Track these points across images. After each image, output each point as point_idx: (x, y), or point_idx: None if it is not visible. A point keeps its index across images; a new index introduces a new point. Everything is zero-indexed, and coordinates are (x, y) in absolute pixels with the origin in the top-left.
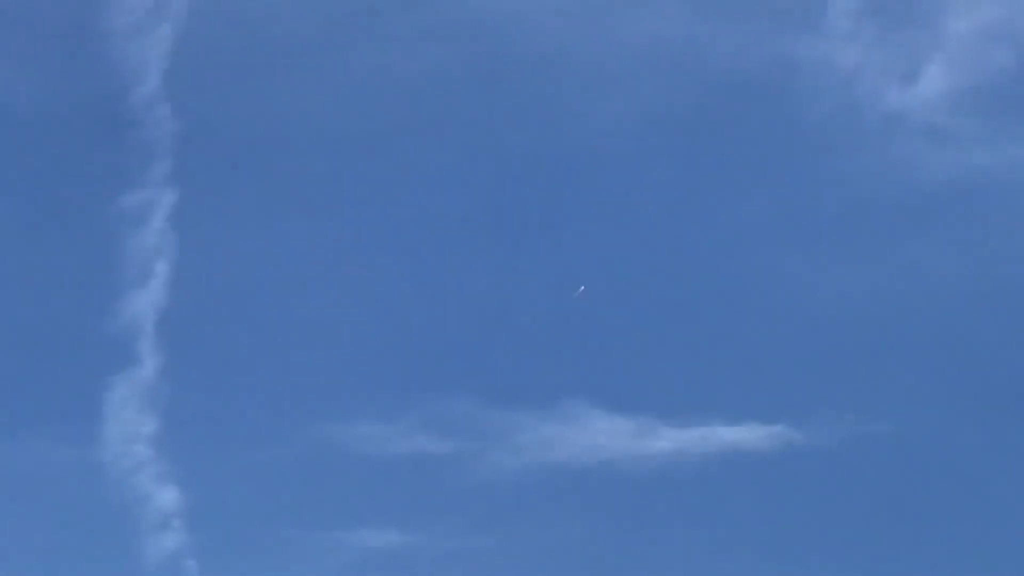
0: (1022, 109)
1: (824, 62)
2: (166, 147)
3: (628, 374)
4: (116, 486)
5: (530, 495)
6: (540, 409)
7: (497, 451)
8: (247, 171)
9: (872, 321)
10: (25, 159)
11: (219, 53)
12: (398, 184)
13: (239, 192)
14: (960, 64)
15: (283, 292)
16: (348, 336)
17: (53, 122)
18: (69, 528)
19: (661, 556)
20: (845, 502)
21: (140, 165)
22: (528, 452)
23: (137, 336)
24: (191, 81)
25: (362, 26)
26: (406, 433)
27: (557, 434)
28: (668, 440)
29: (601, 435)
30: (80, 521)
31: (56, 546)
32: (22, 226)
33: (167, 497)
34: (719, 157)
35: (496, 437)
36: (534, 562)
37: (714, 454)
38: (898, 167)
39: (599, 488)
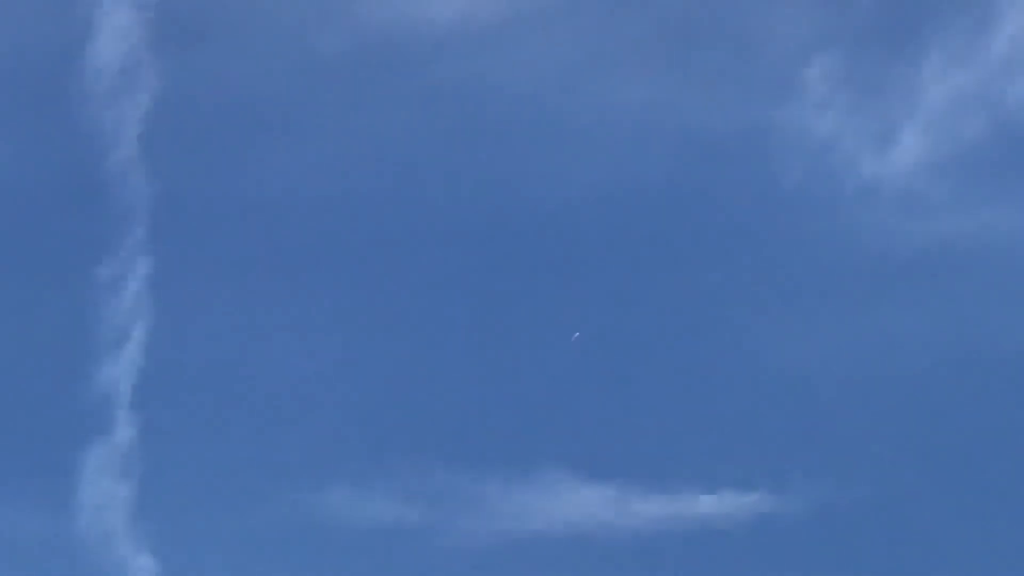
0: (998, 176)
1: (799, 128)
2: (142, 213)
3: (604, 441)
4: (91, 554)
5: (505, 563)
6: (516, 476)
7: (472, 519)
8: (223, 237)
9: (848, 388)
10: None
11: (195, 118)
12: (377, 250)
13: (215, 259)
14: (936, 131)
15: (259, 359)
16: (324, 403)
17: (27, 188)
18: None
19: None
20: (824, 568)
21: (116, 232)
22: (503, 520)
23: (113, 403)
24: (167, 147)
25: (340, 91)
26: (381, 500)
27: (533, 502)
28: (645, 508)
29: (577, 503)
30: None
31: None
32: None
33: (142, 565)
34: (694, 223)
35: (471, 505)
36: None
37: (692, 522)
38: (873, 234)
39: (574, 557)
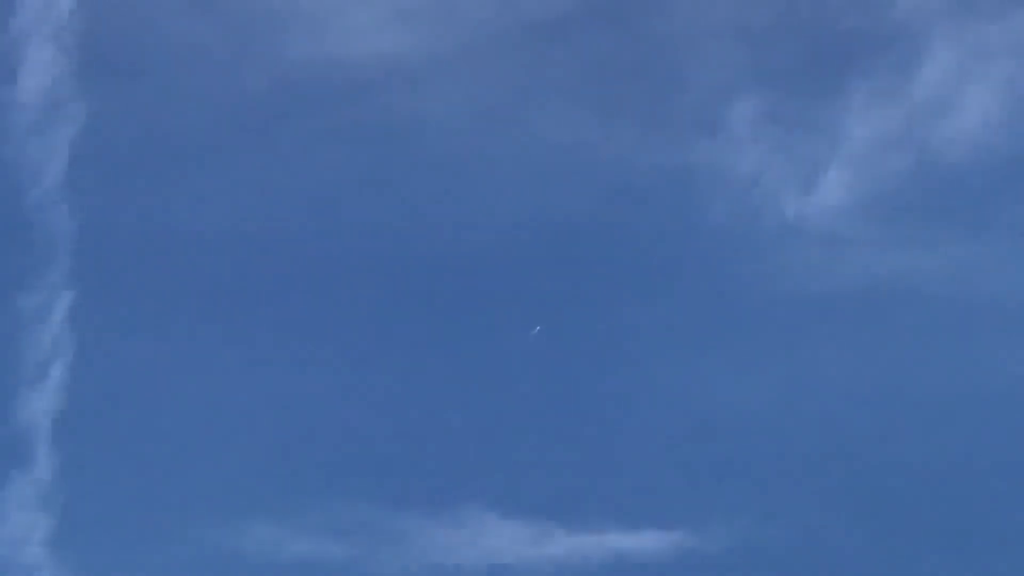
0: (922, 216)
1: (723, 167)
2: (64, 248)
3: (525, 478)
4: None
5: None
6: (437, 512)
7: (393, 554)
8: (147, 271)
9: (769, 427)
10: None
11: (120, 153)
12: (300, 286)
13: (138, 292)
14: (859, 170)
15: (180, 394)
16: (245, 438)
17: None
18: None
19: None
20: None
21: (37, 266)
22: (424, 555)
23: (32, 437)
24: (91, 181)
25: (265, 127)
26: (303, 535)
27: (453, 537)
28: (564, 545)
29: (496, 540)
30: None
31: None
32: None
33: None
34: (617, 261)
35: (392, 540)
36: None
37: (611, 559)
38: (796, 273)
39: None
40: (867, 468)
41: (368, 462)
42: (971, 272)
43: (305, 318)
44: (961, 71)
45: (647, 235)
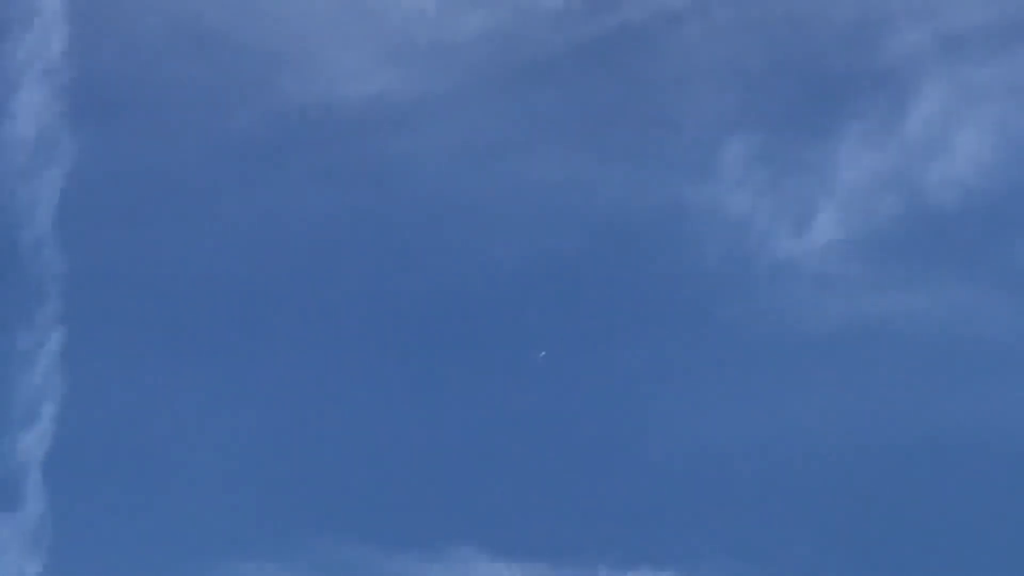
0: (913, 257)
1: (714, 208)
2: (55, 289)
3: (516, 519)
4: None
5: None
6: (427, 553)
7: None
8: (137, 313)
9: (761, 467)
10: None
11: (111, 194)
12: (290, 328)
13: (128, 334)
14: (851, 211)
15: (169, 434)
16: (236, 479)
17: None
18: None
19: None
20: None
21: (28, 307)
22: None
23: (22, 477)
24: (81, 223)
25: (256, 169)
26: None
27: None
28: None
29: None
30: None
31: None
32: None
33: None
34: (607, 302)
35: None
36: None
37: None
38: (788, 315)
39: None
40: (860, 508)
41: (359, 502)
42: (962, 314)
43: (297, 358)
44: (952, 113)
45: (639, 275)
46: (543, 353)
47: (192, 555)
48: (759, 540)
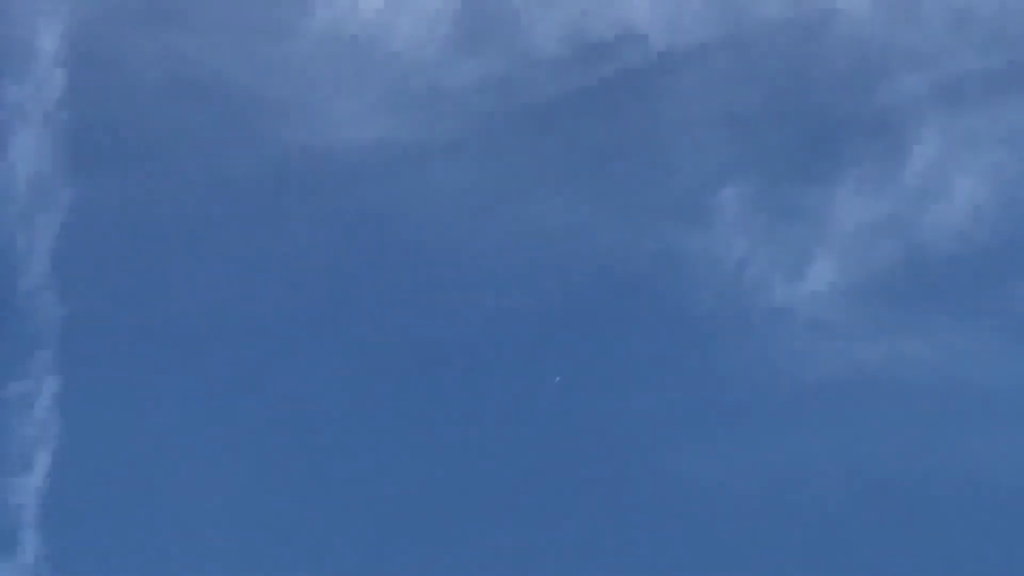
0: (909, 304)
1: (710, 255)
2: (51, 335)
3: (512, 565)
4: None
5: None
6: None
7: None
8: (134, 359)
9: (758, 513)
10: None
11: (107, 240)
12: (287, 373)
13: (125, 380)
14: (848, 257)
15: (166, 482)
16: (232, 527)
17: None
18: None
19: None
20: None
21: (24, 353)
22: None
23: (17, 524)
24: (78, 268)
25: (255, 215)
26: None
27: None
28: None
29: None
30: None
31: None
32: None
33: None
34: (603, 349)
35: None
36: None
37: None
38: (784, 361)
39: None
40: (857, 556)
41: (355, 547)
42: (960, 360)
43: (295, 404)
44: (949, 159)
45: (635, 321)
46: (558, 379)
47: None
48: None
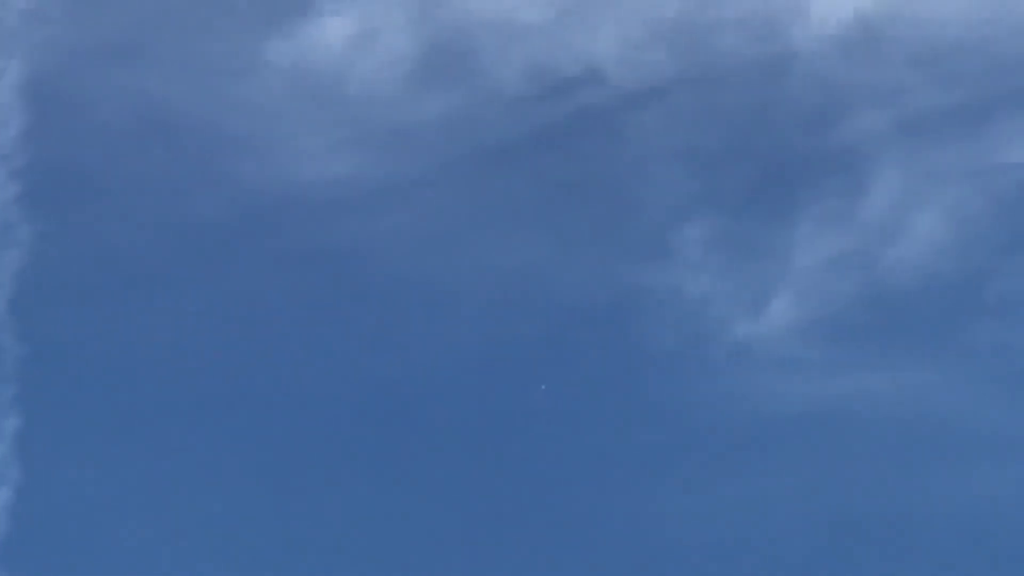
0: (870, 340)
1: (672, 291)
2: (10, 373)
3: None
4: None
5: None
6: None
7: None
8: (93, 398)
9: (719, 552)
10: None
11: (68, 278)
12: (251, 414)
13: (86, 419)
14: (809, 294)
15: (129, 523)
16: (191, 561)
17: None
18: None
19: None
20: None
21: None
22: None
23: None
24: (38, 308)
25: (216, 254)
26: None
27: None
28: None
29: None
30: None
31: None
32: None
33: None
34: (564, 386)
35: None
36: None
37: None
38: (746, 398)
39: None
40: None
41: None
42: (921, 396)
43: (258, 442)
44: (909, 195)
45: (597, 359)
46: (543, 387)
47: None
48: None
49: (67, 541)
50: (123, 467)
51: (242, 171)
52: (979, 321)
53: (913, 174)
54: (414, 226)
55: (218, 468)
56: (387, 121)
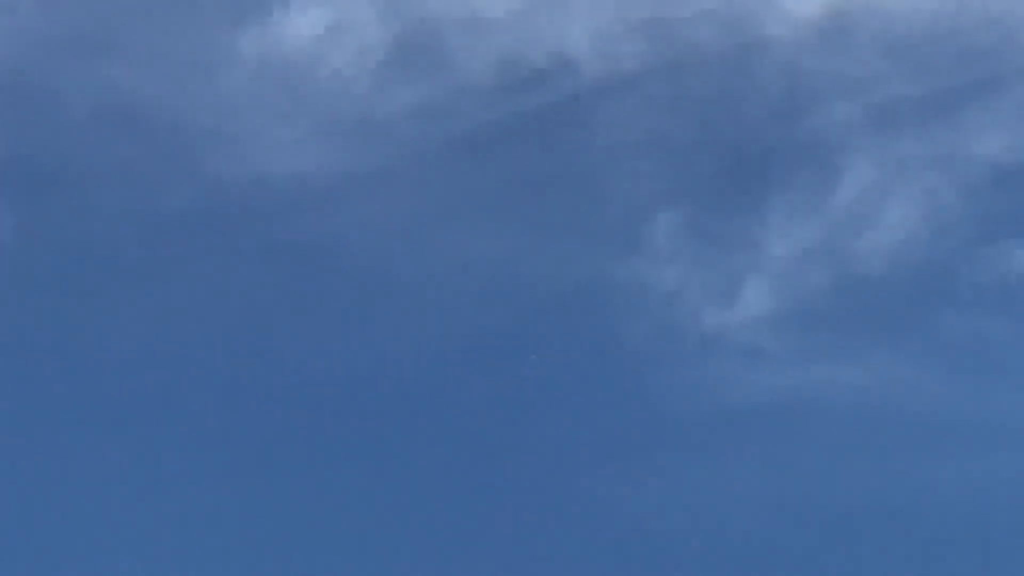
0: (841, 330)
1: (642, 282)
2: None
3: None
4: None
5: None
6: None
7: None
8: (60, 396)
9: (689, 543)
10: None
11: (35, 273)
12: (224, 409)
13: (56, 414)
14: (779, 284)
15: (101, 515)
16: (169, 560)
17: None
18: None
19: None
20: None
21: None
22: None
23: None
24: (5, 299)
25: (186, 247)
26: None
27: None
28: None
29: None
30: None
31: None
32: None
33: None
34: (534, 377)
35: None
36: None
37: None
38: (717, 388)
39: None
40: None
41: None
42: (892, 385)
43: (229, 439)
44: (881, 185)
45: (567, 349)
46: (533, 356)
47: None
48: None
49: (37, 539)
50: (96, 462)
51: (212, 163)
52: (951, 310)
53: (884, 164)
54: (385, 217)
55: (192, 466)
56: (358, 113)
